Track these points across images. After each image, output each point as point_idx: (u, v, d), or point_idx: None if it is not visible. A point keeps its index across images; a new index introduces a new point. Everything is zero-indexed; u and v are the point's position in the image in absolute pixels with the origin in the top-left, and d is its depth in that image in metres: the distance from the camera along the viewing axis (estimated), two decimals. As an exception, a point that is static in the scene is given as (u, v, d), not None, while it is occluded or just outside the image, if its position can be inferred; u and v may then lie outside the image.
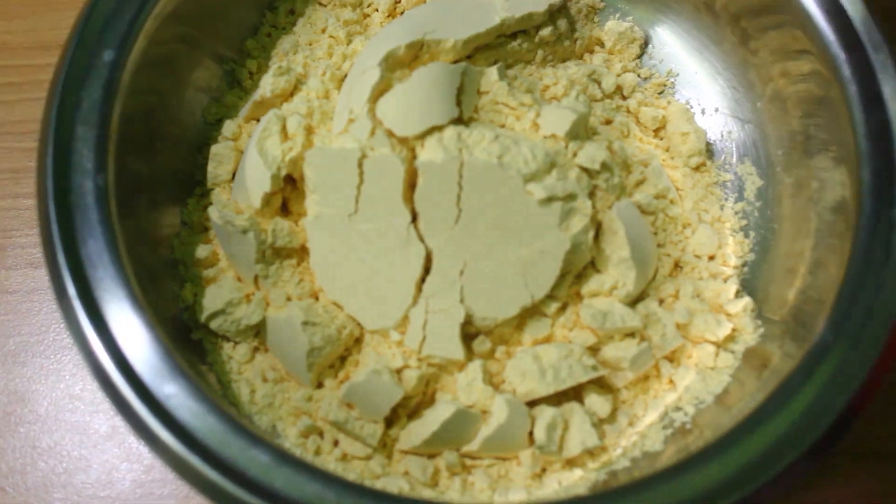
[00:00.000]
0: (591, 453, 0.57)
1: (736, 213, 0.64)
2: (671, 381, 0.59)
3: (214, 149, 0.62)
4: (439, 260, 0.56)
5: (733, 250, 0.63)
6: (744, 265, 0.63)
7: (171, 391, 0.49)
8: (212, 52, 0.65)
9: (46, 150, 0.54)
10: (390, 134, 0.56)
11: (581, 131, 0.59)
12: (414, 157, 0.57)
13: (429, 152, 0.56)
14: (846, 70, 0.56)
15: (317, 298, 0.58)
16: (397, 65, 0.59)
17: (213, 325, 0.58)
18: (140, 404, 0.49)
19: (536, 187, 0.55)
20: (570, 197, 0.56)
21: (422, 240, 0.56)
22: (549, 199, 0.55)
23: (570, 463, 0.56)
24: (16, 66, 0.73)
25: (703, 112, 0.67)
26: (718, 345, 0.60)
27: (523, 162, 0.56)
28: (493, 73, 0.60)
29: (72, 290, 0.51)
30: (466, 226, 0.56)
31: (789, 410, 0.50)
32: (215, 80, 0.65)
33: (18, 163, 0.70)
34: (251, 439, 0.48)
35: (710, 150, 0.66)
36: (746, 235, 0.64)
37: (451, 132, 0.56)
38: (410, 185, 0.57)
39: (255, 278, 0.58)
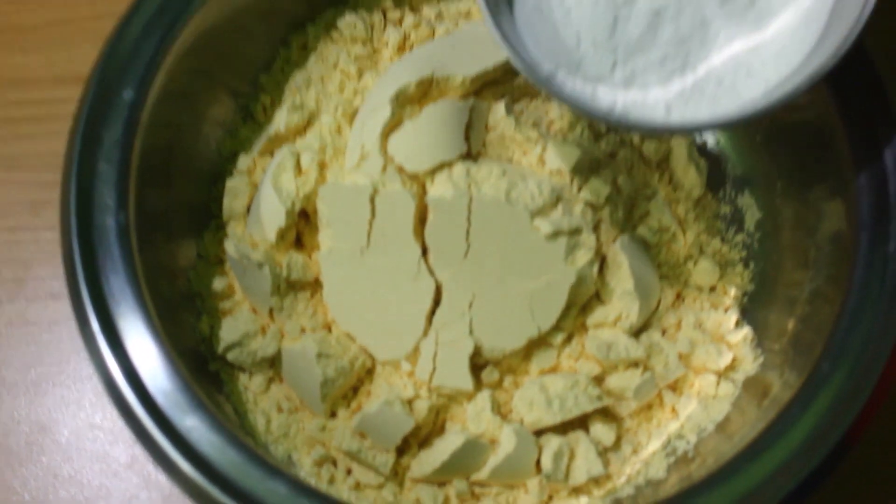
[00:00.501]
0: (596, 481, 0.58)
1: (736, 244, 0.66)
2: (674, 410, 0.61)
3: (230, 183, 0.64)
4: (449, 293, 0.58)
5: (733, 281, 0.65)
6: (744, 295, 0.64)
7: (192, 423, 0.51)
8: (227, 86, 0.67)
9: (69, 188, 0.55)
10: (401, 170, 0.58)
11: (586, 166, 0.61)
12: (424, 192, 0.59)
13: (439, 188, 0.58)
14: (843, 108, 0.58)
15: (330, 330, 0.60)
16: (407, 101, 0.61)
17: (230, 356, 0.60)
18: (161, 436, 0.50)
19: (543, 222, 0.57)
20: (576, 231, 0.58)
21: (432, 273, 0.58)
22: (555, 234, 0.57)
23: (577, 491, 0.58)
24: (33, 100, 0.75)
25: (704, 145, 0.69)
26: (720, 374, 0.61)
27: (530, 197, 0.58)
28: (500, 108, 0.62)
29: (95, 326, 0.52)
30: (475, 259, 0.58)
31: (789, 439, 0.52)
32: (230, 114, 0.67)
33: (37, 195, 0.71)
34: (269, 470, 0.50)
35: (711, 183, 0.68)
36: (746, 266, 0.65)
37: (460, 168, 0.58)
38: (421, 219, 0.58)
39: (270, 310, 0.60)
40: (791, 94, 0.48)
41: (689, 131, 0.55)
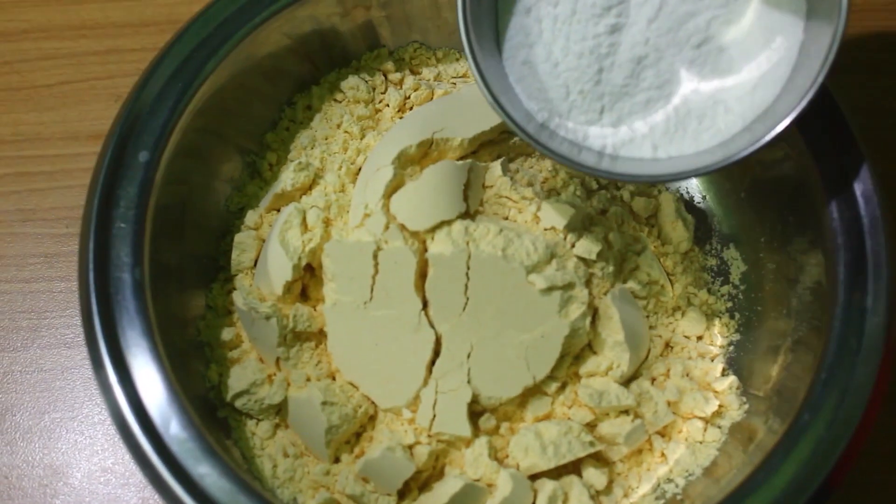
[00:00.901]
0: (589, 524, 0.61)
1: (722, 295, 0.69)
2: (663, 455, 0.63)
3: (238, 237, 0.67)
4: (448, 344, 0.61)
5: (720, 331, 0.68)
6: (730, 345, 0.67)
7: (205, 470, 0.53)
8: (235, 145, 0.70)
9: (88, 245, 0.58)
10: (403, 228, 0.61)
11: (578, 223, 0.64)
12: (425, 249, 0.61)
13: (438, 245, 0.61)
14: (821, 168, 0.61)
15: (334, 379, 0.63)
16: (409, 162, 0.64)
17: (238, 403, 0.62)
18: (176, 483, 0.53)
19: (538, 278, 0.60)
20: (569, 286, 0.61)
21: (432, 325, 0.61)
22: (549, 289, 0.60)
23: (571, 533, 0.61)
24: (47, 156, 0.77)
25: (692, 200, 0.72)
26: (707, 420, 0.64)
27: (525, 254, 0.60)
28: (496, 168, 0.65)
29: (112, 376, 0.55)
30: (473, 313, 0.60)
31: (773, 484, 0.54)
32: (237, 171, 0.70)
33: (51, 248, 0.74)
34: (278, 515, 0.53)
35: (697, 237, 0.71)
36: (732, 317, 0.68)
37: (458, 226, 0.61)
38: (421, 274, 0.61)
39: (277, 360, 0.63)
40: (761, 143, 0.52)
41: (675, 177, 0.58)
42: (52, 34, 0.83)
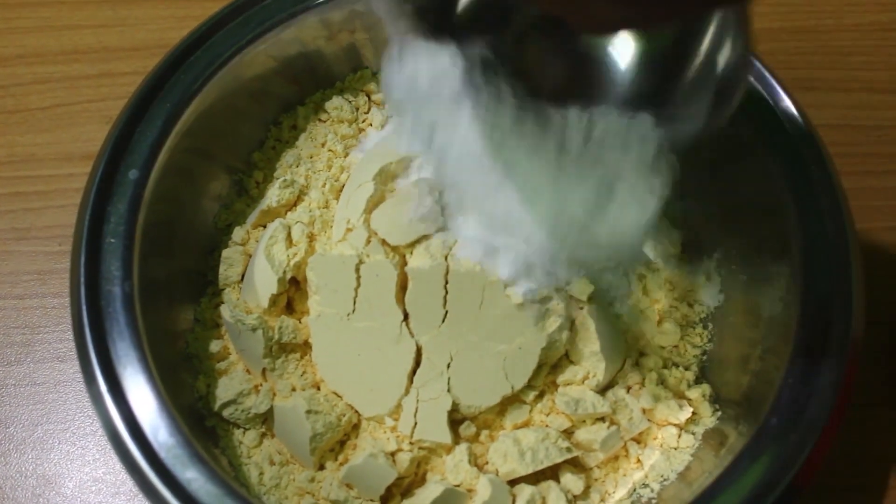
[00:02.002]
0: (566, 528, 0.63)
1: (699, 306, 0.71)
2: (639, 461, 0.65)
3: (226, 253, 0.69)
4: (428, 354, 0.63)
5: (693, 341, 0.70)
6: (703, 354, 0.69)
7: (192, 475, 0.55)
8: (223, 163, 0.72)
9: (79, 259, 0.60)
10: (384, 242, 0.63)
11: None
12: (405, 262, 0.63)
13: (417, 259, 0.63)
14: (790, 183, 0.63)
15: (319, 388, 0.65)
16: (389, 178, 0.66)
17: (226, 413, 0.64)
18: (164, 488, 0.55)
19: (514, 292, 0.62)
20: (546, 299, 0.63)
21: (413, 336, 0.63)
22: (526, 303, 0.62)
23: (548, 537, 0.62)
24: (42, 176, 0.79)
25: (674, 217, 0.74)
26: (681, 427, 0.66)
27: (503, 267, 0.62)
28: (475, 183, 0.67)
29: (102, 386, 0.57)
30: (452, 324, 0.62)
31: (740, 486, 0.56)
32: (225, 188, 0.72)
33: (44, 265, 0.76)
34: (263, 519, 0.55)
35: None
36: (705, 327, 0.70)
37: (437, 241, 0.63)
38: (402, 287, 0.63)
39: (263, 371, 0.65)
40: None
41: None
42: (47, 59, 0.85)
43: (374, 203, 0.65)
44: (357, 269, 0.63)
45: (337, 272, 0.63)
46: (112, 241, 0.61)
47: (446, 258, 0.63)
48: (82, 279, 0.60)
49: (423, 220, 0.63)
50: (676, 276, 0.71)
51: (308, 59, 0.74)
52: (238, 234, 0.70)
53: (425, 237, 0.63)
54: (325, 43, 0.73)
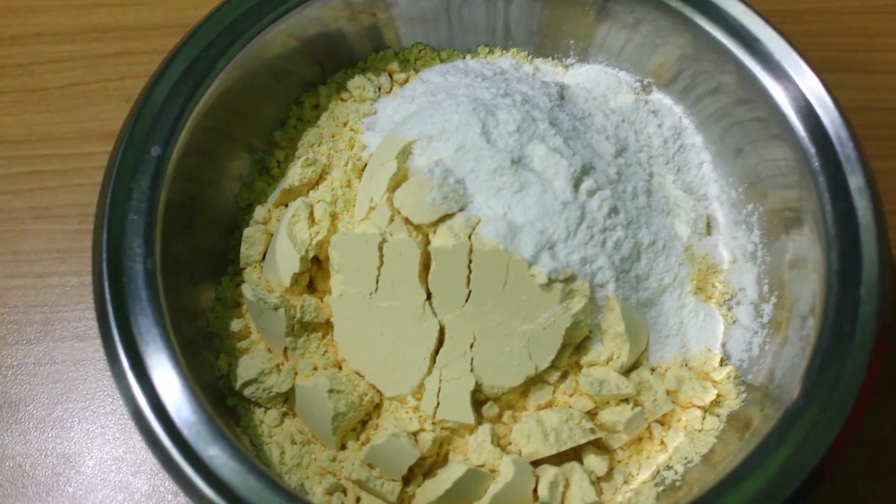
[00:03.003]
0: (589, 508, 0.62)
1: (721, 288, 0.70)
2: (662, 443, 0.65)
3: (247, 232, 0.68)
4: (451, 334, 0.62)
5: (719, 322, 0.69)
6: (728, 335, 0.69)
7: (214, 452, 0.55)
8: (244, 143, 0.72)
9: (101, 235, 0.60)
10: (407, 221, 0.63)
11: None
12: (428, 241, 0.63)
13: (440, 238, 0.62)
14: (819, 161, 0.63)
15: (340, 368, 0.64)
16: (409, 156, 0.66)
17: (247, 392, 0.64)
18: (186, 464, 0.54)
19: (539, 271, 0.61)
20: (570, 279, 0.62)
21: (436, 316, 0.62)
22: (551, 282, 0.61)
23: (571, 518, 0.62)
24: (59, 155, 0.79)
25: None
26: (705, 409, 0.65)
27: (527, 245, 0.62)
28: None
29: (125, 363, 0.57)
30: (475, 304, 0.62)
31: (766, 468, 0.56)
32: (246, 168, 0.72)
33: (64, 244, 0.76)
34: (286, 496, 0.54)
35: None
36: (730, 308, 0.70)
37: (460, 219, 0.62)
38: (425, 266, 0.63)
39: (285, 350, 0.64)
40: None
41: None
42: (65, 37, 0.85)
43: (396, 182, 0.64)
44: (380, 248, 0.62)
45: (359, 251, 0.63)
46: (134, 217, 0.60)
47: (470, 237, 0.62)
48: (104, 255, 0.59)
49: (446, 199, 0.62)
50: (704, 256, 0.71)
51: (330, 39, 0.73)
52: (260, 212, 0.69)
53: (448, 216, 0.63)
54: (346, 23, 0.73)
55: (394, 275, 0.62)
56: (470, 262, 0.62)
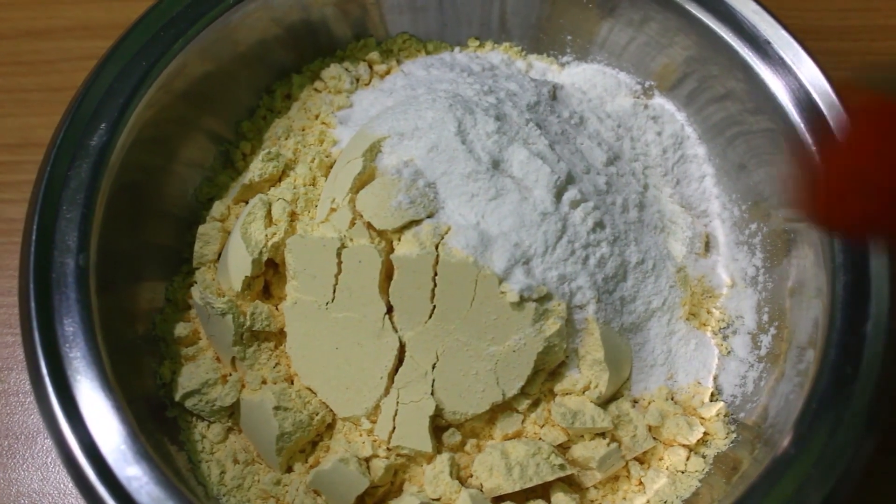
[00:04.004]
0: (554, 554, 0.57)
1: (718, 314, 0.65)
2: (641, 483, 0.59)
3: (202, 229, 0.63)
4: (412, 352, 0.57)
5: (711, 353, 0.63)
6: (721, 368, 0.63)
7: (134, 473, 0.50)
8: (207, 130, 0.66)
9: (31, 228, 0.55)
10: (369, 226, 0.57)
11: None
12: (391, 249, 0.57)
13: (405, 246, 0.57)
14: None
15: (292, 383, 0.59)
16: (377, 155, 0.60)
17: (188, 404, 0.59)
18: (100, 485, 0.49)
19: (511, 288, 0.56)
20: (545, 298, 0.56)
21: (396, 331, 0.57)
22: (523, 301, 0.56)
23: (534, 563, 0.56)
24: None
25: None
26: (690, 448, 0.60)
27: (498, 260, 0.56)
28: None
29: (44, 369, 0.51)
30: (440, 320, 0.56)
31: (751, 523, 0.50)
32: (209, 159, 0.67)
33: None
34: (208, 527, 0.49)
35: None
36: (725, 338, 0.64)
37: (427, 227, 0.57)
38: (388, 276, 0.57)
39: (233, 360, 0.59)
40: None
41: None
42: (96, 32, 0.81)
43: (361, 182, 0.58)
44: (339, 254, 0.57)
45: (316, 256, 0.57)
46: (69, 208, 0.55)
47: (437, 247, 0.56)
48: (32, 248, 0.54)
49: (413, 204, 0.56)
50: (700, 279, 0.65)
51: (308, 24, 0.69)
52: (218, 209, 0.64)
53: (415, 222, 0.57)
54: (327, 7, 0.68)
55: (352, 284, 0.57)
56: (435, 274, 0.56)
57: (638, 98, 0.70)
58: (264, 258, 0.59)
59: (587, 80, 0.71)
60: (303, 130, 0.67)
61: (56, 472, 0.65)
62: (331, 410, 0.58)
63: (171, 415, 0.59)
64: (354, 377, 0.57)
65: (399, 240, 0.57)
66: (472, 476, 0.57)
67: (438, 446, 0.57)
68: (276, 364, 0.59)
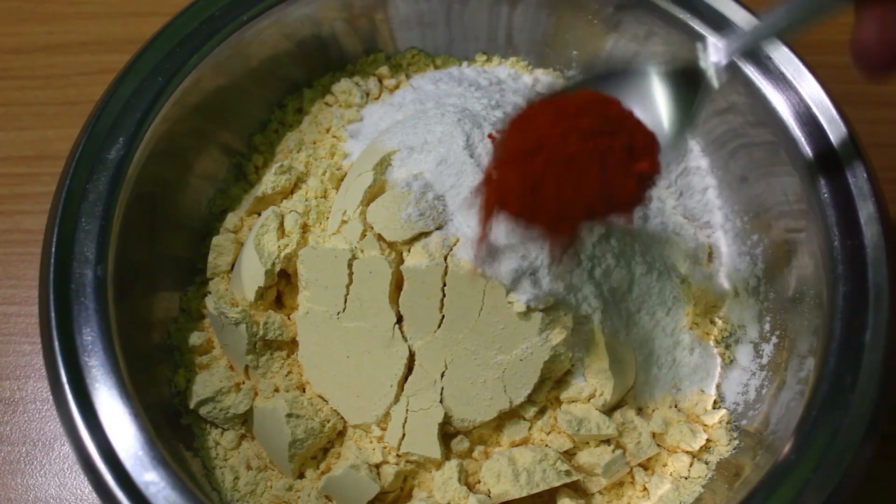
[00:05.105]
0: (561, 558, 0.58)
1: (721, 324, 0.66)
2: (645, 489, 0.60)
3: (215, 240, 0.64)
4: (421, 361, 0.58)
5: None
6: (723, 377, 0.64)
7: (151, 479, 0.51)
8: (220, 144, 0.68)
9: (51, 240, 0.56)
10: (380, 238, 0.59)
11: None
12: (401, 260, 0.59)
13: (415, 258, 0.58)
14: (825, 193, 0.58)
15: (304, 391, 0.60)
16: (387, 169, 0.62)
17: (203, 411, 0.60)
18: (119, 490, 0.50)
19: (518, 298, 0.57)
20: (552, 308, 0.58)
21: (406, 340, 0.58)
22: (530, 311, 0.57)
23: (541, 567, 0.58)
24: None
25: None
26: (694, 455, 0.61)
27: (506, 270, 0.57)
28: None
29: (64, 377, 0.53)
30: (448, 330, 0.57)
31: (752, 528, 0.51)
32: (222, 172, 0.68)
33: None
34: (223, 531, 0.50)
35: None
36: (727, 347, 0.65)
37: (436, 238, 0.58)
38: (398, 286, 0.58)
39: (246, 368, 0.60)
40: None
41: None
42: (111, 47, 0.83)
43: (372, 195, 0.60)
44: (350, 265, 0.58)
45: (328, 267, 0.59)
46: (88, 220, 0.57)
47: (446, 258, 0.57)
48: (52, 260, 0.56)
49: (423, 216, 0.58)
50: (703, 289, 0.66)
51: (319, 39, 0.70)
52: (231, 220, 0.65)
53: (424, 234, 0.58)
54: (337, 23, 0.69)
55: (363, 294, 0.58)
56: (444, 284, 0.57)
57: (642, 111, 0.71)
58: (277, 269, 0.60)
59: (592, 93, 0.72)
60: (314, 144, 0.68)
61: (73, 479, 0.66)
62: (342, 418, 0.60)
63: (186, 422, 0.61)
64: (365, 385, 0.58)
65: (409, 251, 0.58)
66: (479, 482, 0.58)
67: (447, 453, 0.58)
68: (289, 372, 0.61)
